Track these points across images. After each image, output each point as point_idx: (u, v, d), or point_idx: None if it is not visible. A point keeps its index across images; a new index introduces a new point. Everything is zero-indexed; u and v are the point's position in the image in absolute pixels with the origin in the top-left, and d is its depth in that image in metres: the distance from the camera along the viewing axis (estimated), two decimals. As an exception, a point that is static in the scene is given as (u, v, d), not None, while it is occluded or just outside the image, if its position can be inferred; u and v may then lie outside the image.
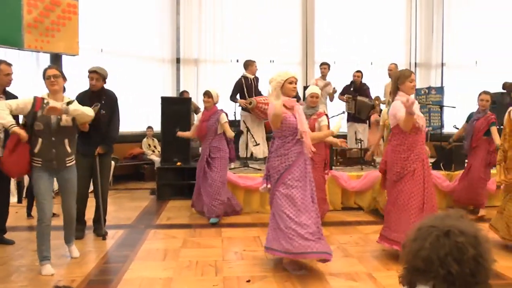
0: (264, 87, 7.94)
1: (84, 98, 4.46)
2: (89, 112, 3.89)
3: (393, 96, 4.02)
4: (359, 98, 7.97)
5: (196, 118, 5.77)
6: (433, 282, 1.29)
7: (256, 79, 7.55)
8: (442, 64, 11.05)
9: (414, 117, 3.61)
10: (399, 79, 3.93)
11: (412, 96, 3.84)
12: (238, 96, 7.36)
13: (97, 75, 4.60)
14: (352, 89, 8.17)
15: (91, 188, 4.82)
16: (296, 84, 3.75)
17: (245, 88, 7.45)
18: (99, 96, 4.63)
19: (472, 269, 1.26)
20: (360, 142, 7.12)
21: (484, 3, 10.43)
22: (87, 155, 4.55)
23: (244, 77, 7.51)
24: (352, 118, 8.14)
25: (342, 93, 8.28)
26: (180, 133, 5.83)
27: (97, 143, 4.57)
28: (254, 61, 7.66)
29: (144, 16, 9.77)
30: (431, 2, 11.13)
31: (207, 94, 5.58)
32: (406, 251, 1.38)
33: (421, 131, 3.86)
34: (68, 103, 3.72)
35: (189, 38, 10.37)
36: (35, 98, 3.71)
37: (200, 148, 6.62)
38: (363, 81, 8.29)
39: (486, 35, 10.30)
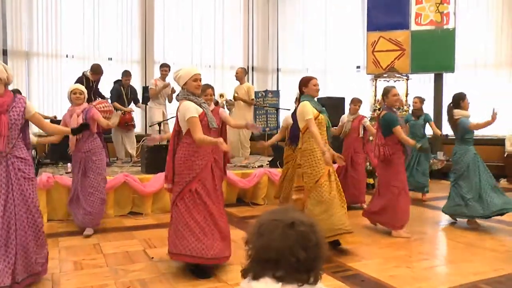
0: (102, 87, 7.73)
1: None
2: None
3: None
4: None
5: None
6: (283, 271, 1.38)
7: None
8: (278, 69, 12.10)
9: None
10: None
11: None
12: None
13: None
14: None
15: None
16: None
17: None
18: None
19: (315, 254, 1.39)
20: None
21: (318, 14, 11.80)
22: None
23: (85, 76, 7.22)
24: None
25: None
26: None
27: None
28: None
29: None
30: (267, 11, 12.03)
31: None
32: (252, 246, 1.44)
33: None
34: None
35: (18, 27, 9.36)
36: None
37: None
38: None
39: (316, 43, 11.65)
